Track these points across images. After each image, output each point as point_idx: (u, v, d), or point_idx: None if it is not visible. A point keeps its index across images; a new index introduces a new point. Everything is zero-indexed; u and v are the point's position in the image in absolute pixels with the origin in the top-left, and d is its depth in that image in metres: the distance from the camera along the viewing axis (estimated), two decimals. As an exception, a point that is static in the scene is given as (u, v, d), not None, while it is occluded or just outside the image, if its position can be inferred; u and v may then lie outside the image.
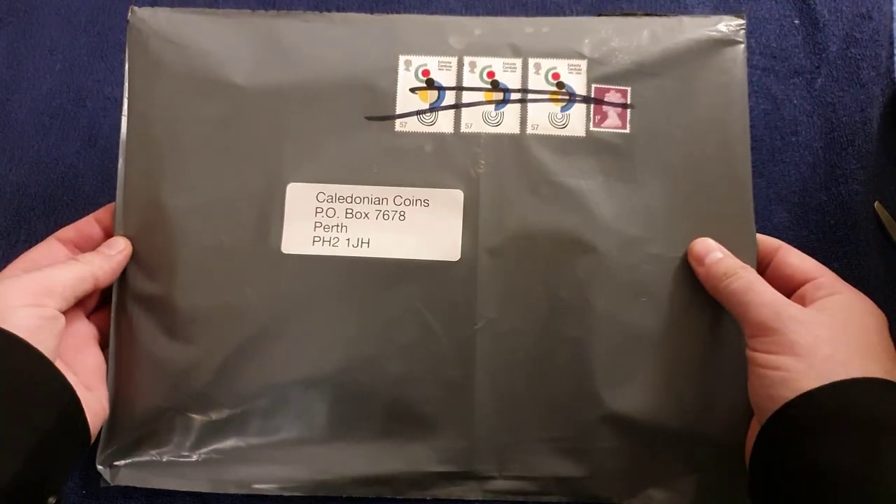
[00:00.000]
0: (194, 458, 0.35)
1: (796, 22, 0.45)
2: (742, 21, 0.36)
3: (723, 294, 0.33)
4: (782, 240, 0.39)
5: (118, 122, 0.44)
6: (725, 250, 0.34)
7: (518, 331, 0.34)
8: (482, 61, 0.36)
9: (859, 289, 0.38)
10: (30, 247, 0.41)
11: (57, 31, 0.47)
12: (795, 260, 0.35)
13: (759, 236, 0.36)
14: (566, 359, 0.34)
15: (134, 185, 0.36)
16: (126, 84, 0.37)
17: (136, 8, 0.37)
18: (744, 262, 0.34)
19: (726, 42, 0.36)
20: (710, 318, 0.34)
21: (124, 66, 0.37)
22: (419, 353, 0.34)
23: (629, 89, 0.35)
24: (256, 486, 0.34)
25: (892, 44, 0.44)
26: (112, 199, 0.42)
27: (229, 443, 0.35)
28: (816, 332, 0.30)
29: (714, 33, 0.36)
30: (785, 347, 0.30)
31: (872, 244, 0.40)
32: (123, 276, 0.36)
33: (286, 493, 0.34)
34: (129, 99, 0.36)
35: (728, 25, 0.36)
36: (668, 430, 0.34)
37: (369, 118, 0.35)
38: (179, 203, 0.35)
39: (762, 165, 0.42)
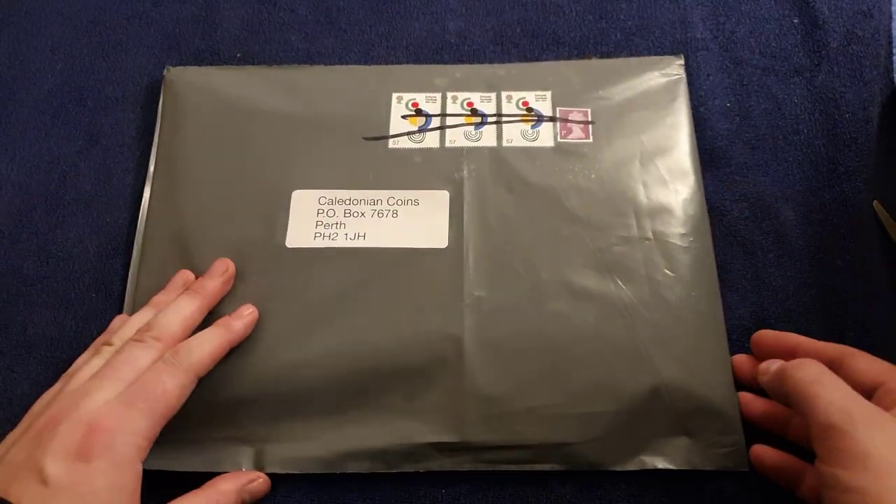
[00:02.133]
0: (192, 438, 0.35)
1: (796, 21, 0.45)
2: (681, 61, 0.44)
3: (787, 383, 0.29)
4: (787, 239, 0.40)
5: (119, 121, 0.45)
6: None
7: (504, 308, 0.37)
8: (462, 95, 0.42)
9: (862, 287, 0.39)
10: (30, 246, 0.41)
11: (58, 31, 0.47)
12: (863, 365, 0.31)
13: (825, 344, 0.34)
14: (552, 332, 0.36)
15: (157, 208, 0.41)
16: (158, 125, 0.43)
17: (170, 67, 0.44)
18: (692, 222, 0.38)
19: (668, 75, 0.43)
20: (681, 290, 0.37)
21: (157, 113, 0.43)
22: (410, 330, 0.36)
23: (589, 109, 0.42)
24: (253, 466, 0.35)
25: (890, 43, 0.44)
26: (112, 198, 0.42)
27: (227, 423, 0.36)
28: (893, 442, 0.25)
29: (657, 66, 0.43)
30: (856, 461, 0.25)
31: (875, 242, 0.40)
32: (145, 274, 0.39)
33: (280, 471, 0.35)
34: (158, 136, 0.43)
35: (669, 63, 0.43)
36: (657, 395, 0.35)
37: (366, 138, 0.41)
38: (196, 212, 0.40)
39: (766, 164, 0.42)
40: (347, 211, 0.39)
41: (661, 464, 0.35)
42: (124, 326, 0.36)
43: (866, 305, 0.38)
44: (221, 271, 0.37)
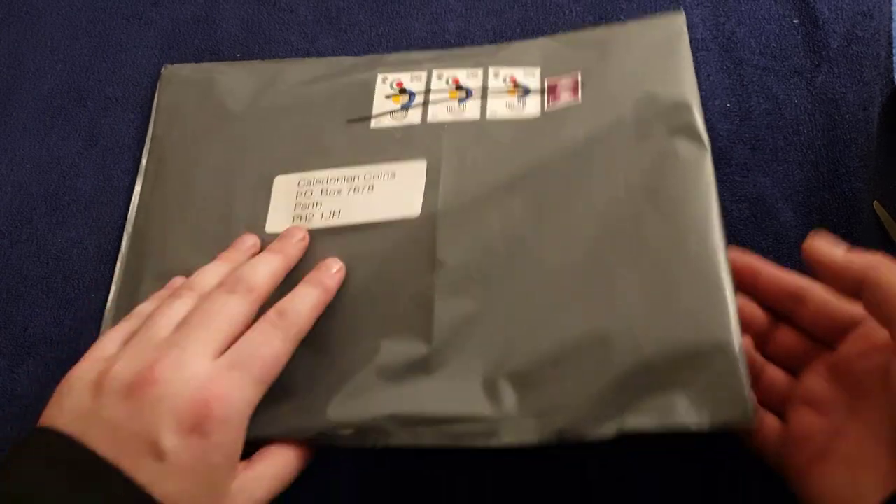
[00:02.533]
0: None
1: (796, 21, 0.45)
2: (682, 17, 0.40)
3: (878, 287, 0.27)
4: (789, 239, 0.40)
5: (119, 122, 0.45)
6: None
7: (477, 267, 0.34)
8: (448, 72, 0.41)
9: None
10: (30, 246, 0.41)
11: (58, 32, 0.47)
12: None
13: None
14: (525, 290, 0.34)
15: (147, 202, 0.41)
16: (151, 122, 0.43)
17: (168, 65, 0.45)
18: (694, 147, 0.35)
19: (668, 26, 0.40)
20: (667, 244, 0.33)
21: (152, 105, 0.44)
22: (382, 287, 0.35)
23: (579, 72, 0.39)
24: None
25: (890, 43, 0.44)
26: (112, 199, 0.42)
27: None
28: None
29: (655, 22, 0.41)
30: None
31: (875, 242, 0.40)
32: (136, 258, 0.39)
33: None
34: (152, 132, 0.43)
35: (669, 19, 0.40)
36: (637, 351, 0.31)
37: (350, 121, 0.40)
38: (184, 206, 0.40)
39: (766, 165, 0.42)
40: (325, 190, 0.38)
41: (645, 424, 0.29)
42: (200, 274, 0.33)
43: (866, 306, 0.38)
44: (300, 237, 0.35)
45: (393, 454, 0.32)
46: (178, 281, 0.35)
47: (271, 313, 0.30)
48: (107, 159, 0.44)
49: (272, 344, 0.29)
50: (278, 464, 0.30)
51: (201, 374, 0.27)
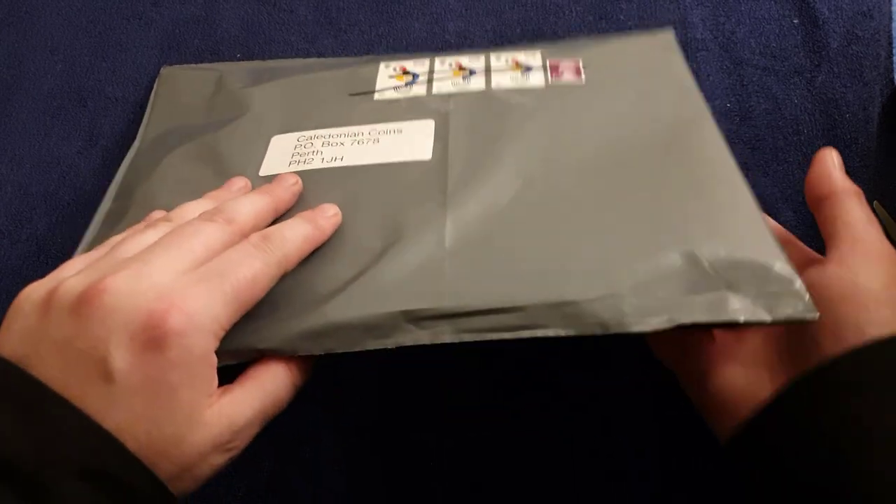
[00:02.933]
0: None
1: (795, 21, 0.45)
2: (671, 34, 0.42)
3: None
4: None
5: (119, 122, 0.45)
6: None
7: (490, 199, 0.32)
8: (451, 58, 0.41)
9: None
10: (30, 246, 0.41)
11: (58, 32, 0.47)
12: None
13: None
14: (543, 216, 0.31)
15: (132, 171, 0.38)
16: (146, 118, 0.42)
17: (166, 66, 0.45)
18: (708, 145, 0.34)
19: (659, 39, 0.41)
20: (689, 171, 0.32)
21: (149, 101, 0.43)
22: (391, 209, 0.32)
23: (580, 58, 0.40)
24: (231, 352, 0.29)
25: (890, 43, 0.44)
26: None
27: None
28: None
29: (646, 34, 0.42)
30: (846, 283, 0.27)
31: (875, 242, 0.40)
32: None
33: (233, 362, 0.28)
34: (144, 128, 0.41)
35: (659, 34, 0.42)
36: (685, 251, 0.29)
37: (352, 94, 0.39)
38: (175, 160, 0.37)
39: (766, 165, 0.42)
40: (325, 142, 0.36)
41: (698, 317, 0.27)
42: (181, 208, 0.30)
43: (866, 306, 0.38)
44: (292, 182, 0.32)
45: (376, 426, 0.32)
46: (157, 214, 0.32)
47: (255, 236, 0.27)
48: (107, 159, 0.44)
49: (250, 263, 0.26)
50: (265, 384, 0.27)
51: (161, 286, 0.24)
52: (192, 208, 0.30)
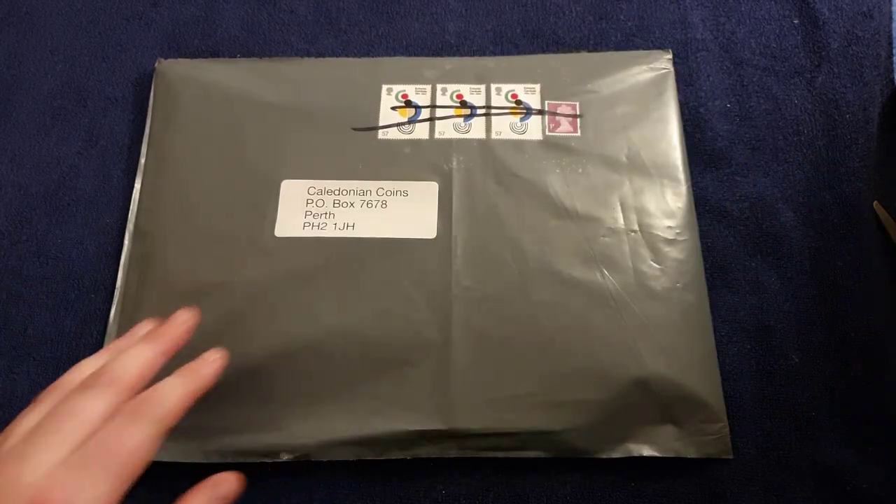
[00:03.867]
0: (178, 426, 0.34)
1: (796, 21, 0.45)
2: (669, 55, 0.44)
3: None
4: (789, 239, 0.40)
5: (119, 122, 0.45)
6: None
7: (492, 297, 0.37)
8: (452, 87, 0.43)
9: (861, 288, 0.39)
10: (29, 247, 0.41)
11: (58, 32, 0.47)
12: None
13: None
14: (539, 320, 0.37)
15: (147, 202, 0.41)
16: (149, 118, 0.43)
17: (162, 59, 0.45)
18: (679, 215, 0.38)
19: (656, 69, 0.43)
20: (667, 281, 0.37)
21: (148, 101, 0.44)
22: (399, 319, 0.37)
23: (577, 103, 0.42)
24: (239, 455, 0.35)
25: (890, 43, 0.44)
26: (112, 199, 0.42)
27: (207, 411, 0.34)
28: None
29: (645, 60, 0.43)
30: None
31: (875, 242, 0.40)
32: (141, 260, 0.39)
33: (269, 460, 0.35)
34: (149, 129, 0.43)
35: (657, 57, 0.44)
36: (642, 384, 0.35)
37: (356, 129, 0.41)
38: (186, 205, 0.40)
39: (766, 165, 0.42)
40: (336, 201, 0.39)
41: (646, 451, 0.35)
42: (71, 372, 0.31)
43: (867, 306, 0.38)
44: (183, 320, 0.33)
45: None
46: (141, 327, 0.34)
47: (129, 403, 0.28)
48: (107, 159, 0.43)
49: (130, 434, 0.26)
50: None
51: (33, 481, 0.24)
52: (83, 368, 0.31)
